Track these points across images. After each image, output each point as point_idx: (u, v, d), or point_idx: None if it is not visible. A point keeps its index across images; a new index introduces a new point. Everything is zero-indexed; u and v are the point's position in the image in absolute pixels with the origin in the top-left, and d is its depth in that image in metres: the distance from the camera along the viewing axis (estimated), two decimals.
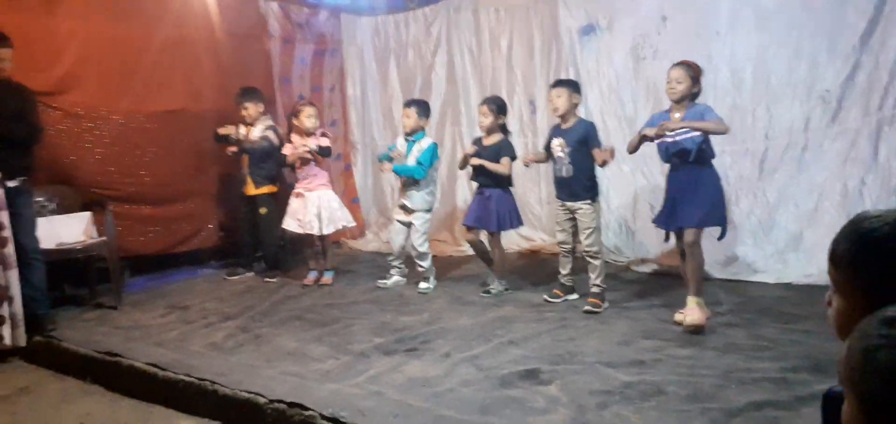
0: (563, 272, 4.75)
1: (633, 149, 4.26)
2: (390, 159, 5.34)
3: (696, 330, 3.91)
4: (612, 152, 4.37)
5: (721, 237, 4.22)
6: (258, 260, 6.04)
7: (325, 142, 5.51)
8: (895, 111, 4.77)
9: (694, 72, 4.02)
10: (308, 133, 5.49)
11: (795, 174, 5.12)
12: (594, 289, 4.53)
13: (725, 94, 5.32)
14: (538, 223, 6.60)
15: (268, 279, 5.74)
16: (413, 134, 5.27)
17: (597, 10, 5.99)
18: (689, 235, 4.02)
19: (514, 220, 5.06)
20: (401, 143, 5.39)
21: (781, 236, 5.12)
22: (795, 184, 5.13)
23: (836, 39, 4.91)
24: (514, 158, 4.97)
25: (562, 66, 6.22)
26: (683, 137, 3.95)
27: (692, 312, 3.98)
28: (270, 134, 5.70)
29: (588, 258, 4.54)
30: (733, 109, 5.29)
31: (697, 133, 3.94)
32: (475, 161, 4.92)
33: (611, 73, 5.93)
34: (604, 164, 4.39)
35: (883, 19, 4.75)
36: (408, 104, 5.39)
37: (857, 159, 4.90)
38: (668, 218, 4.15)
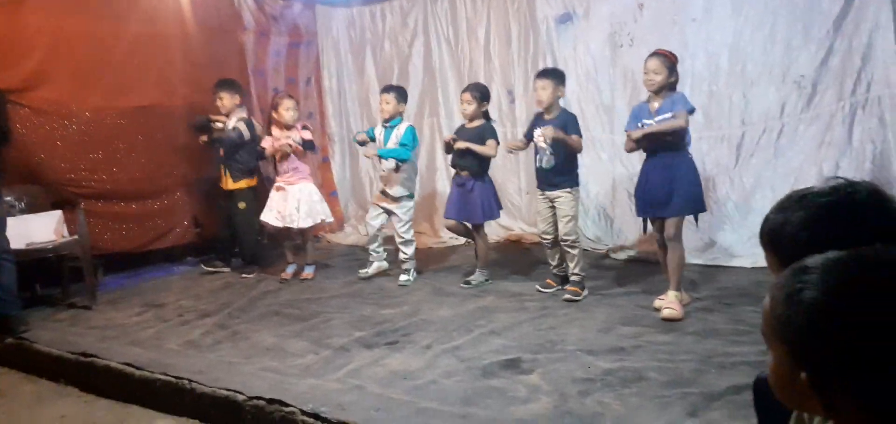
0: (553, 262, 4.73)
1: (631, 151, 4.29)
2: (366, 142, 5.26)
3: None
4: (512, 146, 4.76)
5: (697, 221, 4.26)
6: (236, 256, 5.97)
7: (307, 135, 5.46)
8: (868, 95, 4.82)
9: (670, 61, 4.04)
10: (287, 126, 5.42)
11: (772, 159, 5.17)
12: (574, 277, 4.54)
13: (702, 80, 5.34)
14: (518, 213, 6.60)
15: (245, 275, 5.67)
16: (391, 120, 5.24)
17: None
18: (669, 227, 4.04)
19: (496, 209, 5.07)
20: (379, 130, 5.34)
21: (758, 221, 4.94)
22: (772, 169, 5.17)
23: (810, 24, 4.95)
24: (498, 141, 4.98)
25: (539, 54, 6.21)
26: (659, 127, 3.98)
27: (671, 305, 3.99)
28: (241, 126, 5.60)
29: (566, 248, 4.54)
30: (710, 96, 5.32)
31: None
32: (462, 144, 4.87)
33: (588, 61, 5.93)
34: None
35: (855, 4, 4.79)
36: (386, 90, 5.37)
37: (832, 142, 4.95)
38: (648, 206, 4.16)
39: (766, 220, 1.37)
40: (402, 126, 5.23)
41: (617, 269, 5.33)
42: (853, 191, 1.25)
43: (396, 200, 5.24)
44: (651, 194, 4.11)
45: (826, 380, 0.92)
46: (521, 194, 6.57)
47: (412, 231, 5.34)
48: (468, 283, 5.00)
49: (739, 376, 3.02)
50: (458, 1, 6.71)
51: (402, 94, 5.37)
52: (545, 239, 4.71)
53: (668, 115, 3.99)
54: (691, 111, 4.01)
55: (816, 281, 0.94)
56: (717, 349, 3.40)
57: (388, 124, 5.25)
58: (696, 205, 4.10)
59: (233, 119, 5.63)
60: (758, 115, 5.21)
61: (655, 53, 4.08)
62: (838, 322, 0.90)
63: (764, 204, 5.09)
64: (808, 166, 5.03)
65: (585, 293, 4.53)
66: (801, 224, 1.27)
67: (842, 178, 1.28)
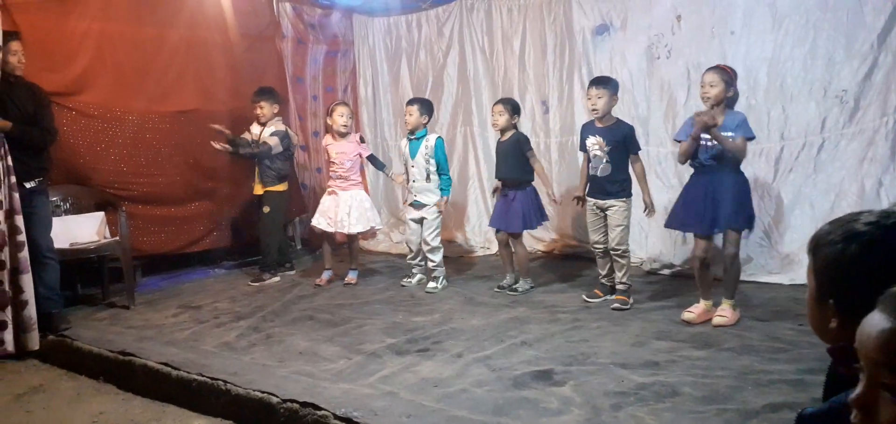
0: (603, 272, 4.73)
1: (685, 157, 4.17)
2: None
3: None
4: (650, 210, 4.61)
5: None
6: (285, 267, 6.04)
7: (366, 151, 5.62)
8: None
9: (728, 76, 4.03)
10: (340, 133, 5.49)
11: (811, 175, 5.07)
12: (620, 286, 4.57)
13: (740, 93, 5.26)
14: (550, 223, 6.55)
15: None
16: (415, 132, 5.31)
17: (610, 10, 5.95)
18: (732, 244, 4.04)
19: (535, 219, 5.10)
20: (403, 144, 5.43)
21: (797, 238, 5.05)
22: (811, 184, 5.07)
23: (853, 38, 4.84)
24: (530, 147, 5.07)
25: (574, 66, 6.19)
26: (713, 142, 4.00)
27: (724, 312, 4.03)
28: (272, 139, 5.65)
29: (615, 257, 4.56)
30: (748, 109, 5.21)
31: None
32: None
33: (624, 72, 5.88)
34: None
35: None
36: (411, 102, 5.48)
37: (875, 158, 4.83)
38: (691, 221, 4.14)
39: (820, 228, 1.37)
40: (431, 138, 5.31)
41: (651, 282, 5.28)
42: None
43: (425, 206, 5.30)
44: (696, 209, 4.10)
45: None
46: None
47: (439, 239, 5.39)
48: (514, 290, 5.03)
49: (777, 394, 2.97)
50: (493, 11, 6.73)
51: (426, 106, 5.45)
52: (596, 248, 4.71)
53: (729, 134, 3.97)
54: (750, 138, 4.02)
55: None
56: (753, 365, 3.34)
57: (413, 136, 5.31)
58: (749, 219, 4.10)
59: (269, 129, 5.71)
60: (797, 129, 5.12)
61: (714, 67, 4.10)
62: None
63: (803, 220, 5.03)
64: (850, 183, 4.92)
65: (631, 300, 4.55)
66: (841, 237, 1.27)
67: None
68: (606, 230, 4.62)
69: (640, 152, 4.69)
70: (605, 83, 4.57)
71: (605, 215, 4.59)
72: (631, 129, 4.60)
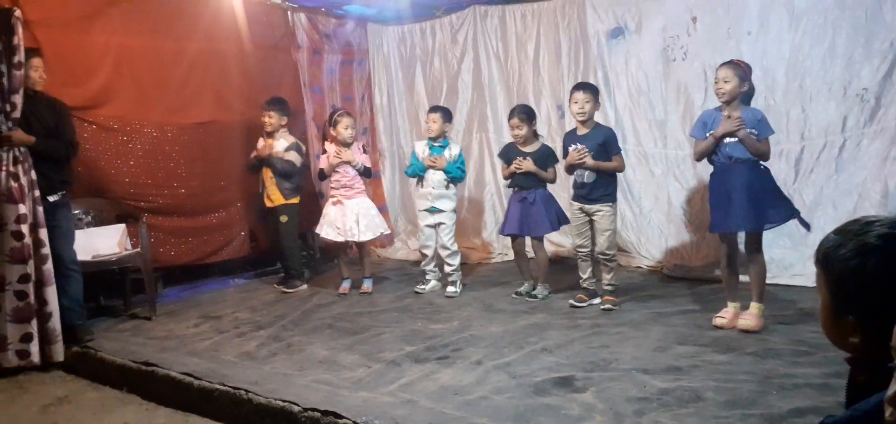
0: (584, 276, 4.79)
1: (702, 156, 4.16)
2: (423, 171, 5.38)
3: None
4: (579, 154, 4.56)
5: (806, 226, 4.26)
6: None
7: (367, 161, 5.60)
8: None
9: (742, 71, 3.98)
10: (345, 143, 5.51)
11: (833, 175, 5.01)
12: (607, 288, 4.65)
13: (758, 94, 5.16)
14: (568, 229, 6.52)
15: (286, 290, 5.72)
16: (438, 139, 5.35)
17: (625, 12, 5.93)
18: (751, 244, 3.99)
19: (557, 222, 5.07)
20: (421, 147, 5.43)
21: (819, 239, 4.98)
22: (833, 185, 5.01)
23: (873, 36, 4.79)
24: (556, 162, 5.05)
25: (589, 69, 6.17)
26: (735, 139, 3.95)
27: (750, 316, 3.96)
28: (294, 156, 5.72)
29: (603, 261, 4.63)
30: (766, 110, 5.13)
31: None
32: (528, 166, 4.89)
33: (640, 75, 5.87)
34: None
35: None
36: (433, 109, 5.50)
37: None
38: (726, 218, 4.05)
39: (826, 238, 1.34)
40: (455, 149, 5.39)
41: (672, 287, 5.24)
42: None
43: (442, 212, 5.34)
44: (717, 208, 4.06)
45: None
46: (572, 208, 6.50)
47: (456, 243, 5.43)
48: (533, 296, 5.02)
49: (802, 399, 2.93)
50: (507, 17, 6.73)
51: (447, 114, 5.51)
52: (581, 252, 4.76)
53: (753, 132, 3.92)
54: (770, 134, 4.01)
55: None
56: (777, 369, 3.31)
57: (437, 143, 5.35)
58: (785, 212, 4.01)
59: (282, 143, 5.74)
60: (817, 130, 5.07)
61: (727, 62, 4.06)
62: None
63: (825, 221, 4.97)
64: (872, 183, 4.86)
65: (620, 299, 4.64)
66: (855, 251, 1.24)
67: None
68: (591, 235, 4.68)
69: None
70: (589, 88, 4.64)
71: (592, 220, 4.64)
72: (611, 132, 4.67)
